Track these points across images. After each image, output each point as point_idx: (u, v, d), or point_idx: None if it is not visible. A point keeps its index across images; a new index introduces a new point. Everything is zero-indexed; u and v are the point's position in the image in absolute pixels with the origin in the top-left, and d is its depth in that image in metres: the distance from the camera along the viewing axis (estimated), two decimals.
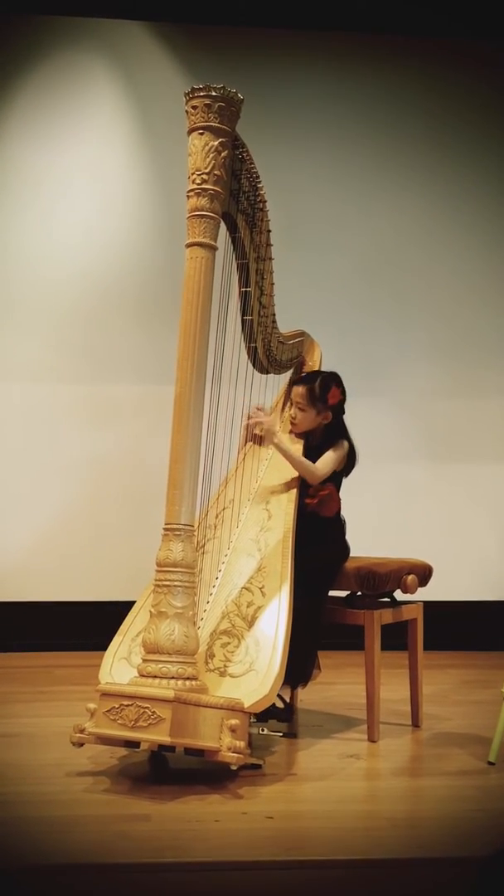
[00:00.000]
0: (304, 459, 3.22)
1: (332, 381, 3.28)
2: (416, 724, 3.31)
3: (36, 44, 4.95)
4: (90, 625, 4.00)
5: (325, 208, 5.14)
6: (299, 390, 3.29)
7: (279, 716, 3.16)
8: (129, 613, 3.02)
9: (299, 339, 3.50)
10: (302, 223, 5.04)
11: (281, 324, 3.27)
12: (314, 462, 3.23)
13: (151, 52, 5.03)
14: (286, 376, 3.57)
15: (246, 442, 3.40)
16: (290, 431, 3.34)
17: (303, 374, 3.43)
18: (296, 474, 3.24)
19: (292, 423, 3.33)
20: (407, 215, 5.20)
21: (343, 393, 3.30)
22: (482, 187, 5.25)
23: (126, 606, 3.05)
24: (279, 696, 3.05)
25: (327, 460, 3.23)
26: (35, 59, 4.95)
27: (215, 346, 2.91)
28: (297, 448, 3.28)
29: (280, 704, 3.15)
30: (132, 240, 5.02)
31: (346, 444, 3.28)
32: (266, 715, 3.08)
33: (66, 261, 4.96)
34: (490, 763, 2.82)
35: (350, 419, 3.35)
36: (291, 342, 3.41)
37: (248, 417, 3.24)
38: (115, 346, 4.99)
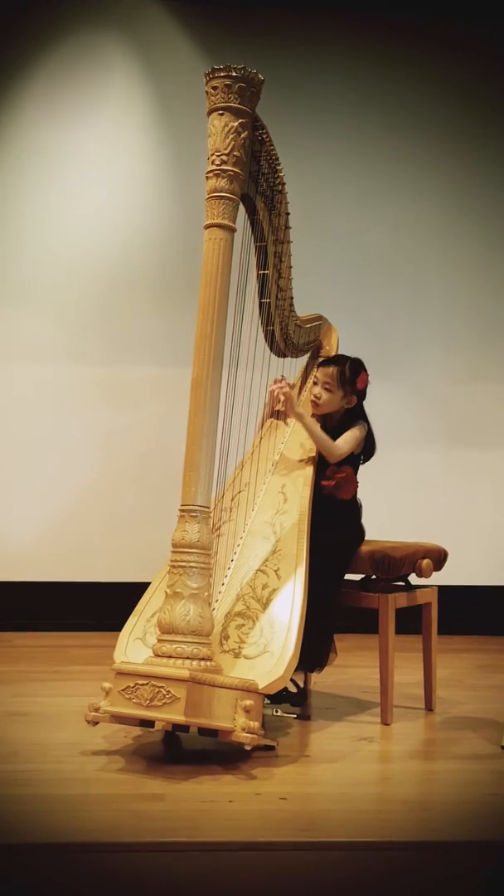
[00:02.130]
0: (324, 434, 3.21)
1: (360, 366, 3.28)
2: (429, 707, 3.32)
3: (53, 24, 4.93)
4: (105, 606, 4.02)
5: (343, 192, 5.11)
6: (329, 370, 3.27)
7: (293, 700, 3.17)
8: (145, 594, 3.03)
9: (317, 322, 3.49)
10: (320, 207, 5.01)
11: (298, 308, 3.26)
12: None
13: (169, 32, 5.01)
14: (303, 360, 3.57)
15: (264, 422, 3.40)
16: (312, 413, 3.33)
17: (328, 357, 3.42)
18: (312, 457, 3.24)
19: (315, 404, 3.31)
20: (426, 202, 5.17)
21: (368, 379, 3.30)
22: (503, 176, 5.20)
23: (141, 588, 3.06)
24: (292, 680, 3.06)
25: (348, 438, 3.23)
26: (53, 39, 4.93)
27: (232, 328, 2.90)
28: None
29: (293, 689, 3.16)
30: (149, 221, 5.01)
31: (365, 426, 3.27)
32: (280, 699, 3.09)
33: (83, 242, 4.95)
34: (503, 748, 2.82)
35: (367, 405, 3.34)
36: (309, 326, 3.40)
37: (274, 382, 3.23)
38: (131, 327, 4.99)
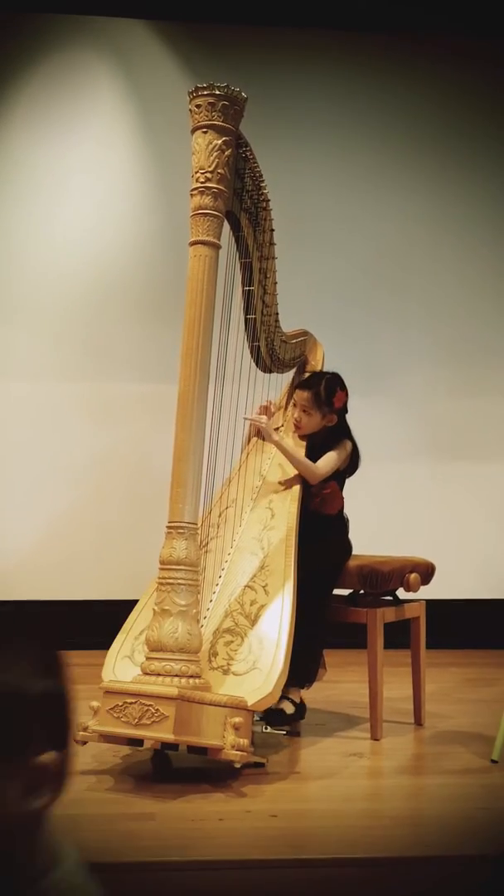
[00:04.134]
0: (304, 459, 3.22)
1: (335, 384, 3.26)
2: (418, 722, 3.32)
3: (37, 42, 4.94)
4: (92, 624, 4.00)
5: (327, 208, 5.13)
6: (304, 395, 3.27)
7: (293, 717, 3.11)
8: (132, 612, 3.02)
9: (302, 338, 3.50)
10: (304, 223, 5.03)
11: (283, 323, 3.27)
12: (316, 461, 3.23)
13: (153, 50, 5.03)
14: (289, 375, 3.57)
15: (250, 438, 3.41)
16: (294, 433, 3.34)
17: (305, 377, 3.43)
18: (298, 474, 3.24)
19: (297, 426, 3.32)
20: (410, 215, 5.20)
21: (346, 394, 3.30)
22: (486, 188, 5.24)
23: (128, 605, 3.05)
24: (289, 698, 3.04)
25: (328, 460, 3.23)
26: (36, 57, 4.94)
27: (218, 344, 2.91)
28: (300, 449, 3.28)
29: (291, 708, 3.08)
30: (133, 238, 5.01)
31: (348, 443, 3.28)
32: (281, 721, 3.03)
33: (69, 259, 4.95)
34: (493, 761, 2.82)
35: (352, 418, 3.35)
36: (294, 341, 3.41)
37: (262, 409, 3.25)
38: (117, 344, 4.98)
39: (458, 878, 2.09)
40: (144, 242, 5.01)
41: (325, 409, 3.26)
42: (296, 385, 3.40)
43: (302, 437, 3.33)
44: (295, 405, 3.32)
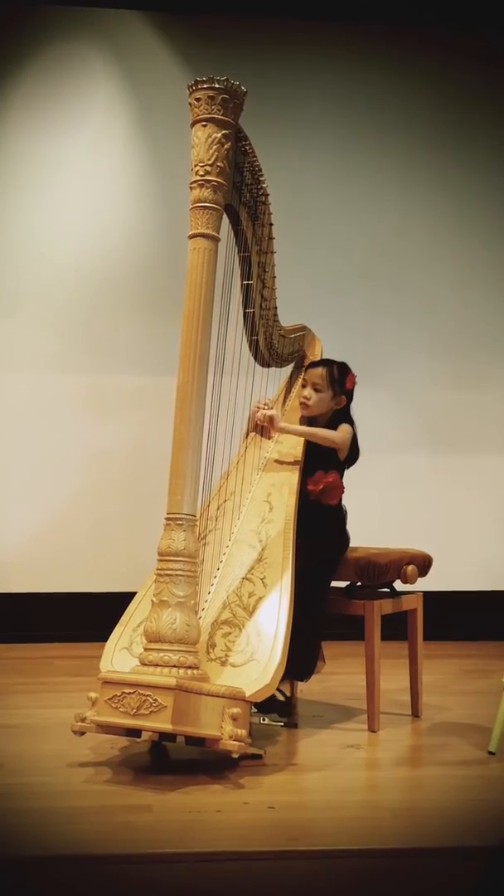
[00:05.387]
0: (317, 429, 3.25)
1: (348, 368, 3.33)
2: (416, 714, 3.33)
3: (34, 33, 4.93)
4: (90, 616, 4.01)
5: (326, 203, 5.13)
6: (318, 371, 3.31)
7: (280, 710, 3.17)
8: (131, 604, 3.03)
9: (301, 333, 3.51)
10: (303, 218, 5.03)
11: (282, 317, 3.27)
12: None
13: (150, 42, 5.02)
14: (287, 370, 3.58)
15: (249, 432, 3.41)
16: (301, 416, 3.35)
17: (315, 360, 3.44)
18: (297, 466, 3.24)
19: (305, 406, 3.33)
20: (409, 210, 5.20)
21: (355, 381, 3.32)
22: (484, 184, 5.24)
23: (126, 598, 3.06)
24: (280, 690, 3.06)
25: (343, 430, 3.26)
26: (33, 49, 4.93)
27: (217, 338, 2.91)
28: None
29: (281, 698, 3.16)
30: (132, 231, 5.01)
31: (351, 430, 3.29)
32: (268, 708, 3.09)
33: (67, 252, 4.95)
34: (490, 753, 2.83)
35: (351, 411, 3.36)
36: (293, 336, 3.42)
37: (257, 408, 3.26)
38: (115, 336, 4.98)
39: (455, 869, 2.10)
40: (142, 236, 5.00)
41: (336, 389, 3.29)
42: (308, 365, 3.41)
43: (304, 421, 3.34)
44: (304, 385, 3.33)
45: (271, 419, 3.23)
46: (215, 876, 2.03)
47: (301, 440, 3.30)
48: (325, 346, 3.63)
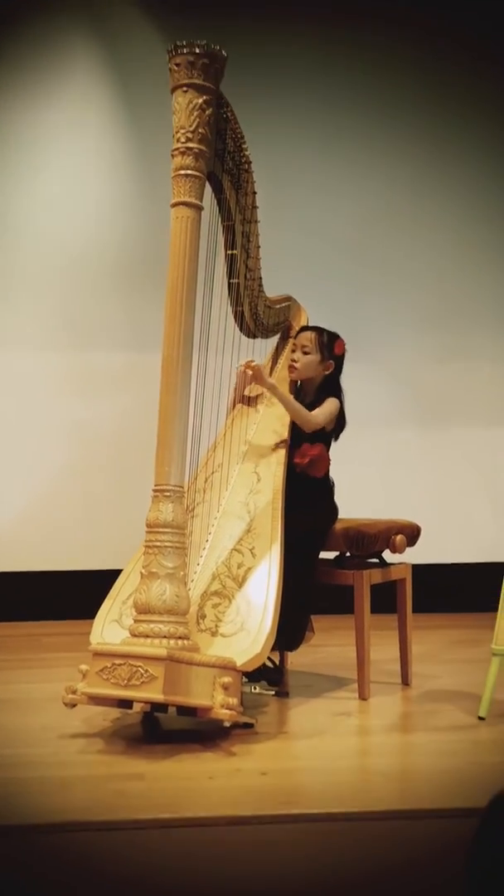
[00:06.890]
0: (298, 404, 3.22)
1: (337, 335, 3.33)
2: (406, 682, 3.34)
3: (12, 6, 4.86)
4: (78, 594, 3.99)
5: (311, 175, 5.09)
6: (308, 335, 3.31)
7: (270, 677, 3.18)
8: (119, 577, 3.02)
9: (286, 303, 3.49)
10: (288, 189, 4.99)
11: (268, 289, 3.25)
12: None
13: (129, 12, 4.96)
14: (273, 341, 3.56)
15: (235, 404, 3.40)
16: (290, 378, 3.34)
17: (304, 325, 3.44)
18: (285, 438, 3.24)
19: (293, 368, 3.32)
20: (395, 183, 5.16)
21: (345, 349, 3.32)
22: (470, 157, 5.21)
23: (114, 575, 3.05)
24: (269, 657, 3.06)
25: (324, 409, 3.24)
26: (12, 22, 4.86)
27: (202, 310, 2.89)
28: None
29: (270, 665, 3.16)
30: (113, 203, 4.96)
31: (338, 402, 3.28)
32: (258, 675, 3.09)
33: (46, 227, 4.90)
34: (481, 718, 2.84)
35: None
36: (278, 306, 3.40)
37: (245, 365, 3.24)
38: (97, 312, 4.94)
39: (447, 830, 2.11)
40: (123, 207, 4.95)
41: (325, 353, 3.29)
42: (298, 330, 3.41)
43: (292, 386, 3.33)
44: (294, 350, 3.33)
45: (258, 371, 3.19)
46: (209, 841, 2.03)
47: (287, 414, 3.29)
48: (312, 319, 3.61)
